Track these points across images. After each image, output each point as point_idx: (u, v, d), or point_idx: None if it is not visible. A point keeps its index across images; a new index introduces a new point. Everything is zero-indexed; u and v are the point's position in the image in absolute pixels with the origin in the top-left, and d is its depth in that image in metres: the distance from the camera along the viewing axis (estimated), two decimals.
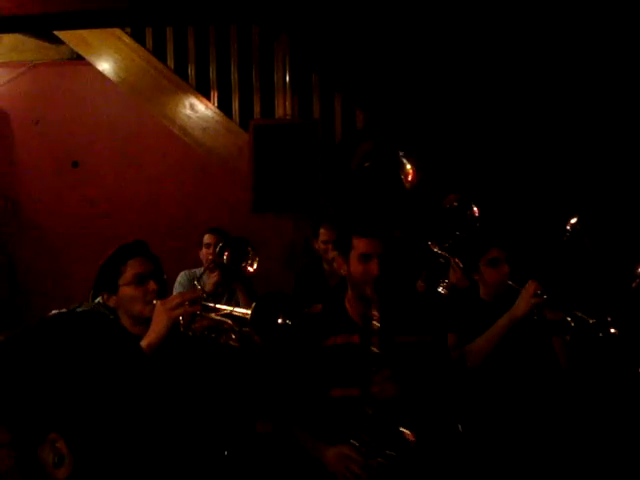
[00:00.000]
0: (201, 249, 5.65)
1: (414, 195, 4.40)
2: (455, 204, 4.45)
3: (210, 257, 5.47)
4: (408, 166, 4.37)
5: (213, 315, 2.87)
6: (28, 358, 1.30)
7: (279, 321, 2.80)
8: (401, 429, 2.88)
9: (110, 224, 7.58)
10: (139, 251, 2.96)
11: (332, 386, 3.07)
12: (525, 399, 3.56)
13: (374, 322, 2.94)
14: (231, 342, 2.89)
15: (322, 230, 5.45)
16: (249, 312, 2.79)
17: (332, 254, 5.00)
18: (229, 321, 2.87)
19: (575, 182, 6.18)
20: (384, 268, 3.05)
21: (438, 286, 4.43)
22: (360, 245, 3.10)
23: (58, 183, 7.85)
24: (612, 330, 3.37)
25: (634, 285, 3.79)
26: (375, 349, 2.93)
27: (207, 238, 5.62)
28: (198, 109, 7.14)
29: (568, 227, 4.63)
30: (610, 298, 4.13)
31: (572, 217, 4.62)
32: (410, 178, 4.36)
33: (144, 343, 2.65)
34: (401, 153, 4.42)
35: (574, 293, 4.08)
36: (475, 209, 4.40)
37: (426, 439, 2.94)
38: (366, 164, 4.80)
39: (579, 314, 3.43)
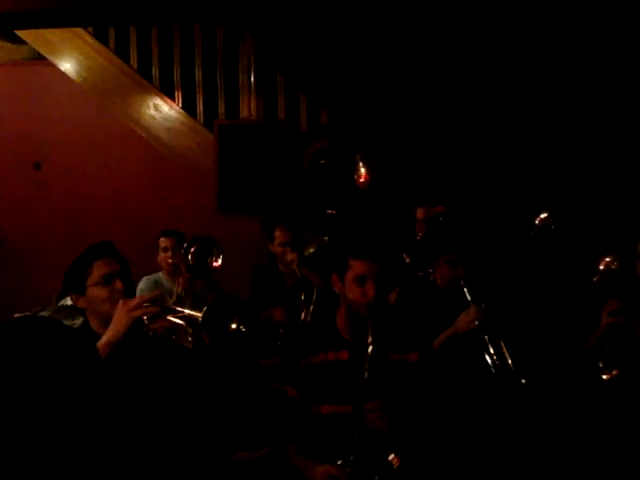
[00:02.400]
0: (157, 253, 5.53)
1: (365, 196, 4.43)
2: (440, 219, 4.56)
3: (170, 261, 5.39)
4: (362, 169, 4.40)
5: (172, 317, 2.88)
6: None
7: (232, 326, 2.81)
8: (388, 455, 2.88)
9: (73, 226, 7.50)
10: (106, 252, 2.97)
11: (321, 402, 3.07)
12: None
13: (369, 348, 2.93)
14: (187, 344, 2.90)
15: (277, 232, 5.32)
16: (201, 315, 2.80)
17: (291, 256, 5.00)
18: (185, 323, 2.88)
19: (543, 178, 6.25)
20: (380, 291, 3.05)
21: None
22: (357, 267, 3.09)
23: (20, 185, 7.75)
24: (522, 380, 3.52)
25: (595, 279, 3.87)
26: (368, 375, 2.91)
27: (163, 241, 5.50)
28: (162, 109, 7.09)
29: (537, 222, 4.70)
30: (572, 291, 4.21)
31: (542, 212, 4.70)
32: (362, 180, 4.39)
33: (102, 341, 2.68)
34: (357, 155, 4.45)
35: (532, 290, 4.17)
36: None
37: (410, 463, 2.94)
38: (322, 161, 4.80)
39: (505, 354, 3.56)
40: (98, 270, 2.89)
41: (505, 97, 6.46)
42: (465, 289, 3.74)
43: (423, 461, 3.12)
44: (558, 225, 4.64)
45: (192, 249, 4.98)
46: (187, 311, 2.91)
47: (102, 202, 7.61)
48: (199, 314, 2.81)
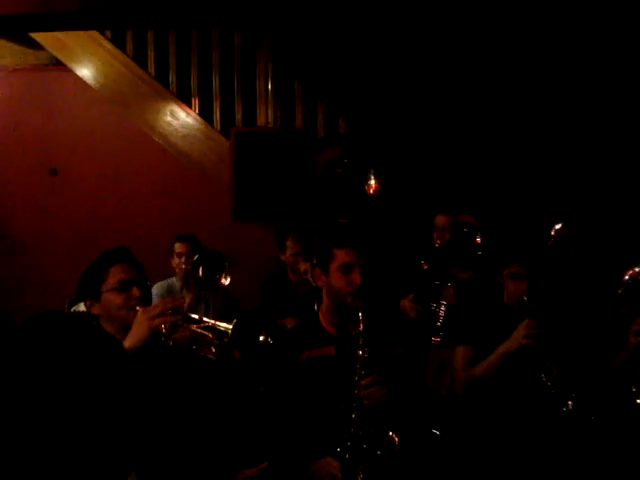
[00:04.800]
0: (172, 257, 5.56)
1: (376, 205, 4.43)
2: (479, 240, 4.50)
3: (183, 267, 5.41)
4: (372, 180, 4.39)
5: (194, 327, 2.83)
6: (13, 355, 1.25)
7: (261, 338, 2.78)
8: (388, 432, 2.88)
9: (88, 231, 7.47)
10: (122, 257, 2.93)
11: (311, 399, 3.05)
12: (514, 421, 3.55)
13: (360, 326, 2.94)
14: (210, 355, 2.85)
15: (289, 243, 5.34)
16: (230, 327, 2.75)
17: (304, 266, 4.96)
18: (210, 334, 2.83)
19: (559, 188, 6.18)
20: (365, 278, 3.07)
21: (435, 307, 4.43)
22: (341, 256, 3.12)
23: (36, 190, 7.74)
24: (569, 402, 3.38)
25: (620, 291, 3.76)
26: (362, 353, 2.93)
27: (178, 247, 5.54)
28: (179, 116, 7.07)
29: (552, 233, 4.62)
30: (596, 305, 4.12)
31: (557, 223, 4.62)
32: (372, 190, 4.39)
33: None
34: (369, 166, 4.45)
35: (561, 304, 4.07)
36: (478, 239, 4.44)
37: (409, 443, 2.95)
38: (336, 170, 4.79)
39: (555, 373, 3.43)
40: (114, 276, 2.85)
41: (524, 107, 6.41)
42: (527, 303, 3.63)
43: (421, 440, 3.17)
44: (575, 236, 4.56)
45: (202, 264, 4.98)
46: (212, 322, 2.86)
47: (117, 208, 7.59)
48: (227, 326, 2.77)
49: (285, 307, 5.02)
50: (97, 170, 7.63)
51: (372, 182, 4.47)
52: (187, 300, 4.92)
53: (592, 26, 6.10)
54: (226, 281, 4.99)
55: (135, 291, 2.83)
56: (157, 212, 7.53)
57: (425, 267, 4.58)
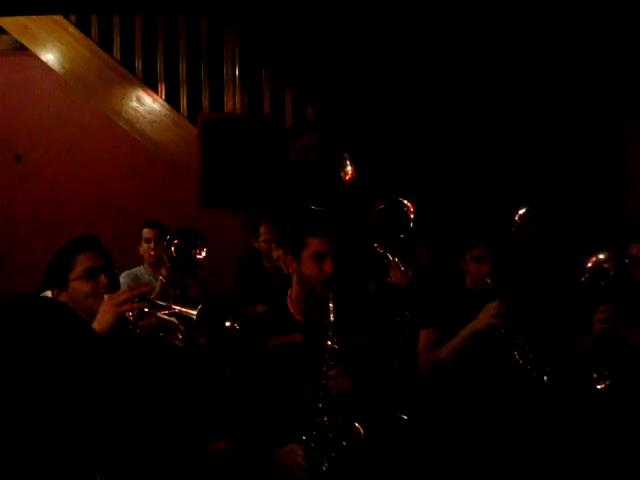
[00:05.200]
0: (140, 244, 5.47)
1: (351, 192, 4.41)
2: (382, 206, 4.48)
3: (152, 252, 5.33)
4: (349, 166, 4.37)
5: (161, 313, 2.81)
6: None
7: (227, 324, 2.76)
8: (355, 423, 2.90)
9: (54, 218, 7.40)
10: (89, 245, 2.90)
11: (277, 386, 3.07)
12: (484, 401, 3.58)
13: (331, 316, 2.95)
14: (177, 342, 2.84)
15: (262, 229, 5.31)
16: (195, 313, 2.74)
17: (276, 253, 4.95)
18: (176, 320, 2.81)
19: (524, 174, 6.24)
20: (337, 267, 3.08)
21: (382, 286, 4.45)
22: (314, 244, 3.12)
23: (0, 177, 7.64)
24: (545, 377, 3.41)
25: (583, 279, 3.80)
26: (331, 344, 2.94)
27: (146, 232, 5.44)
28: (145, 102, 7.00)
29: (517, 218, 4.65)
30: (560, 289, 4.16)
31: (521, 208, 4.65)
32: (348, 177, 4.37)
33: None
34: (345, 152, 4.42)
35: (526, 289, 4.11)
36: (409, 205, 4.43)
37: (374, 432, 2.97)
38: (311, 157, 4.76)
39: (528, 350, 3.46)
40: (81, 264, 2.82)
41: (490, 92, 6.45)
42: (491, 285, 3.65)
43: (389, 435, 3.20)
44: (540, 222, 4.60)
45: (175, 241, 4.92)
46: (178, 308, 2.85)
47: (84, 195, 7.52)
48: (193, 312, 2.75)
49: (259, 294, 5.00)
50: (62, 156, 7.55)
51: (348, 169, 4.43)
52: (157, 288, 4.88)
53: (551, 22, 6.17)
54: (201, 255, 4.93)
55: (103, 279, 2.80)
56: (123, 199, 7.47)
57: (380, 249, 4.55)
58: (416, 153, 6.49)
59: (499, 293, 3.60)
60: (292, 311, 3.22)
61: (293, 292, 3.24)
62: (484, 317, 3.53)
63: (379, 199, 4.55)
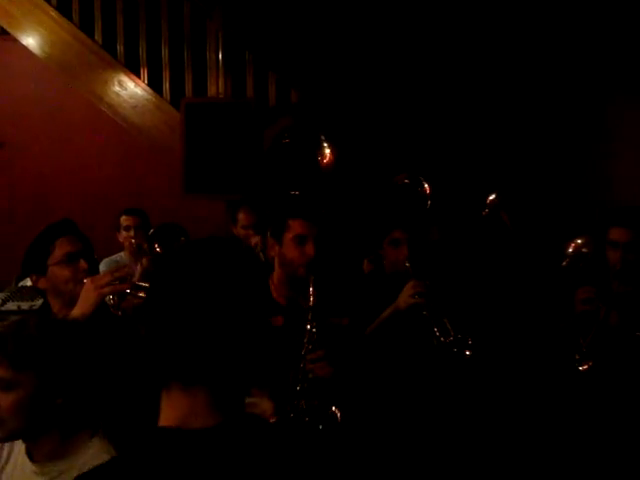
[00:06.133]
0: (119, 232, 5.39)
1: (328, 176, 4.38)
2: (406, 181, 4.46)
3: (133, 240, 5.27)
4: (326, 149, 4.33)
5: (142, 294, 2.79)
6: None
7: None
8: (332, 407, 2.91)
9: (37, 204, 7.35)
10: (67, 230, 2.88)
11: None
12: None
13: (311, 299, 2.96)
14: None
15: (241, 215, 5.27)
16: None
17: (254, 239, 4.91)
18: None
19: (495, 160, 6.26)
20: (319, 250, 3.08)
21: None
22: (296, 227, 3.11)
23: None
24: (467, 352, 3.45)
25: (564, 264, 3.82)
26: (310, 327, 2.95)
27: (125, 220, 5.36)
28: (127, 86, 6.94)
29: (487, 203, 4.68)
30: (535, 275, 4.18)
31: (491, 193, 4.68)
32: (326, 161, 4.33)
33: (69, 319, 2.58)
34: (321, 135, 4.38)
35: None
36: (426, 186, 4.42)
37: (351, 417, 2.97)
38: (285, 140, 4.72)
39: (447, 325, 3.50)
40: (60, 249, 2.80)
41: (465, 78, 6.46)
42: (409, 268, 3.70)
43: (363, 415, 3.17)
44: (510, 207, 4.62)
45: (157, 237, 4.87)
46: None
47: (66, 180, 7.47)
48: None
49: None
50: (44, 141, 7.50)
51: (326, 151, 4.39)
52: (136, 275, 4.83)
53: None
54: None
55: (82, 263, 2.78)
56: (106, 184, 7.42)
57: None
58: (399, 134, 6.49)
59: (417, 274, 3.65)
60: (274, 295, 3.20)
61: (275, 275, 3.23)
62: (403, 297, 3.57)
63: (404, 173, 4.56)
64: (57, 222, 2.92)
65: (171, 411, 1.36)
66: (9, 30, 7.01)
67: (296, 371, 2.94)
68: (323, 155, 4.33)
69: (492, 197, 4.67)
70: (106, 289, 2.67)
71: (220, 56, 6.83)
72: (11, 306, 4.30)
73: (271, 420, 2.84)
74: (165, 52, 6.90)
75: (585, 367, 3.36)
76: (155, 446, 1.33)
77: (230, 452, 1.33)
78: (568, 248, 3.80)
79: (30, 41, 6.96)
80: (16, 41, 7.02)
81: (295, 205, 3.24)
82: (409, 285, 3.58)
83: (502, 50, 6.45)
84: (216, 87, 6.90)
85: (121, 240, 5.39)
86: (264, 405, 2.83)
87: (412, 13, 6.40)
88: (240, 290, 1.40)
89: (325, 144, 4.34)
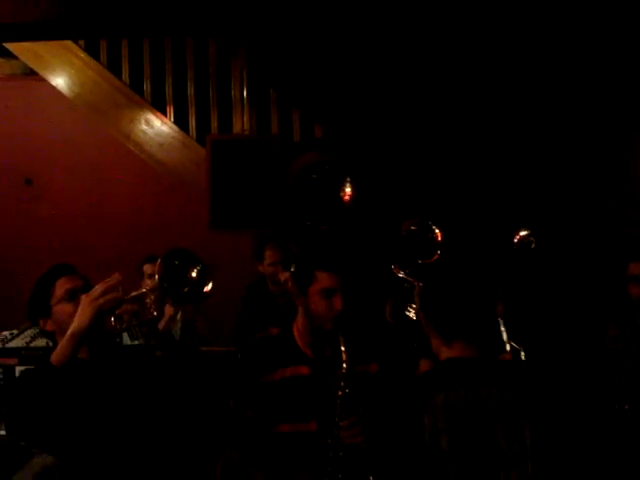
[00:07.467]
0: (143, 280, 5.27)
1: (351, 212, 4.35)
2: (413, 228, 4.41)
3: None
4: (348, 187, 4.31)
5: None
6: None
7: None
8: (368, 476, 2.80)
9: (64, 241, 7.43)
10: (66, 271, 2.93)
11: (280, 422, 2.95)
12: None
13: (344, 365, 2.82)
14: (150, 316, 2.83)
15: (268, 252, 5.22)
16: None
17: (283, 276, 4.83)
18: (145, 290, 2.83)
19: (528, 193, 6.24)
20: (347, 303, 2.93)
21: (405, 311, 4.37)
22: (324, 280, 2.94)
23: (11, 200, 7.68)
24: None
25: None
26: (342, 392, 2.83)
27: (148, 268, 5.27)
28: (154, 124, 7.02)
29: (516, 239, 4.65)
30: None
31: (522, 229, 4.66)
32: (347, 198, 4.31)
33: (67, 333, 2.58)
34: (344, 172, 4.36)
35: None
36: (437, 232, 4.37)
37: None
38: (313, 175, 4.71)
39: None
40: (61, 287, 2.85)
41: (489, 115, 6.45)
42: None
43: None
44: (539, 242, 4.58)
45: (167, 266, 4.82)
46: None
47: (93, 218, 7.54)
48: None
49: (266, 317, 4.93)
50: (72, 180, 7.60)
51: (347, 189, 4.38)
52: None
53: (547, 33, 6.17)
54: (208, 288, 4.86)
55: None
56: (133, 222, 7.49)
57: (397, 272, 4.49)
58: (422, 168, 6.48)
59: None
60: (299, 343, 3.08)
61: (299, 324, 3.09)
62: None
63: (413, 219, 4.47)
64: (55, 265, 2.97)
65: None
66: (38, 71, 7.14)
67: (324, 424, 2.84)
68: (345, 193, 4.32)
69: (523, 233, 4.61)
70: (101, 300, 2.62)
71: (245, 93, 6.89)
72: (40, 342, 4.33)
73: None
74: (191, 90, 6.98)
75: (626, 407, 3.30)
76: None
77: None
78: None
79: (59, 81, 7.09)
80: (45, 81, 7.14)
81: (322, 255, 3.04)
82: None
83: (527, 82, 6.43)
84: (241, 123, 6.96)
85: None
86: None
87: (438, 53, 6.41)
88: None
89: (348, 182, 4.32)
